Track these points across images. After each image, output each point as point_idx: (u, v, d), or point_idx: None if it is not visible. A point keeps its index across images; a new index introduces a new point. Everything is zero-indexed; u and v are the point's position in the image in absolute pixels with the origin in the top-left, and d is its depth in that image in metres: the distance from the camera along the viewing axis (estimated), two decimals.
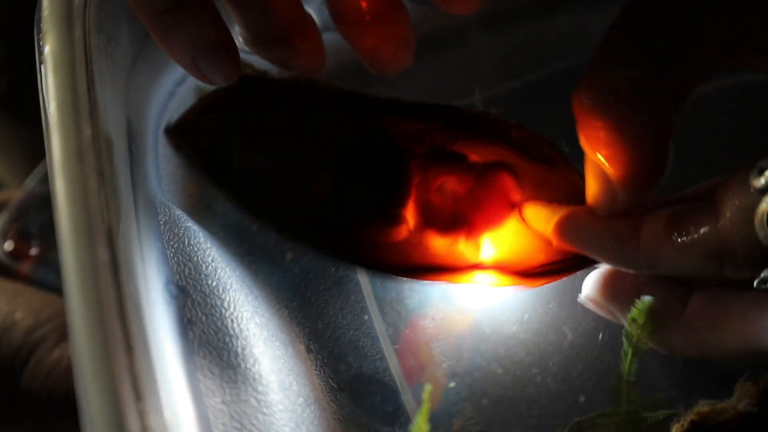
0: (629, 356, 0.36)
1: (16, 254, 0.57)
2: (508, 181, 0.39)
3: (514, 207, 0.38)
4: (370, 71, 0.41)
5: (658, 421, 0.37)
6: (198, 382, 0.33)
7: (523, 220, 0.38)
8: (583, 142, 0.34)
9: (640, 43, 0.32)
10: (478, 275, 0.38)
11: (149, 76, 0.43)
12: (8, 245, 0.57)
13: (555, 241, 0.36)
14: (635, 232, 0.33)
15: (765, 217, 0.29)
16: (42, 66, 0.33)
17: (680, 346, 0.35)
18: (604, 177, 0.34)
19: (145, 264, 0.33)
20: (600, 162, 0.34)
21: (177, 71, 0.45)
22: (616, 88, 0.32)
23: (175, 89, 0.45)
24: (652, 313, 0.34)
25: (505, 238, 0.38)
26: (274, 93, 0.41)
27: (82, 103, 0.32)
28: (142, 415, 0.27)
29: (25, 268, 0.57)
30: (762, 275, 0.30)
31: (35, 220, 0.58)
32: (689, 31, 0.31)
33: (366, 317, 0.43)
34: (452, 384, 0.41)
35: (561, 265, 0.37)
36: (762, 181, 0.30)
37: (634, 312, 0.35)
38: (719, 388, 0.37)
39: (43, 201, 0.59)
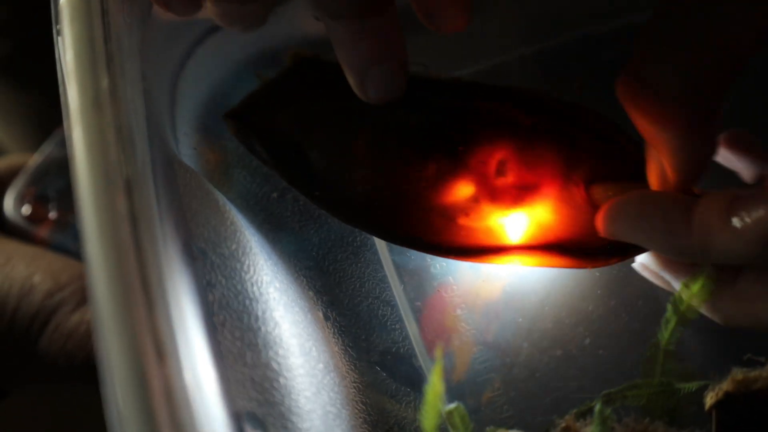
0: (671, 324, 0.35)
1: (34, 218, 0.56)
2: (571, 159, 0.38)
3: (579, 185, 0.38)
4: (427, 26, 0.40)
5: (690, 392, 0.36)
6: (218, 345, 0.32)
7: (590, 198, 0.37)
8: (638, 128, 0.34)
9: (675, 35, 0.31)
10: (538, 256, 0.38)
11: (165, 35, 0.42)
12: (26, 209, 0.56)
13: (602, 230, 0.36)
14: (687, 219, 0.33)
15: None
16: (58, 17, 0.32)
17: (732, 315, 0.34)
18: (657, 160, 0.35)
19: (164, 223, 0.32)
20: (650, 144, 0.35)
21: (194, 31, 0.45)
22: (652, 87, 0.32)
23: (193, 49, 0.44)
24: (708, 280, 0.33)
25: (567, 218, 0.37)
26: (333, 75, 0.41)
27: (99, 54, 0.31)
28: (164, 375, 0.26)
29: (43, 232, 0.56)
30: None
31: (53, 184, 0.57)
32: (723, 20, 0.31)
33: (385, 285, 0.42)
34: (479, 353, 0.40)
35: (624, 246, 0.36)
36: None
37: (688, 279, 0.34)
38: (751, 359, 0.36)
39: (61, 165, 0.58)
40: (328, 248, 0.43)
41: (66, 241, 0.55)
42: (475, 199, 0.38)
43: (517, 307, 0.40)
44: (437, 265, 0.41)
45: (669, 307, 0.35)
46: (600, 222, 0.36)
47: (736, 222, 0.31)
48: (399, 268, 0.42)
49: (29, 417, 0.57)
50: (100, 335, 0.25)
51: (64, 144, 0.58)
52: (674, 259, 0.35)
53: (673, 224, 0.33)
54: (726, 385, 0.35)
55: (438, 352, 0.35)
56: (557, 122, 0.39)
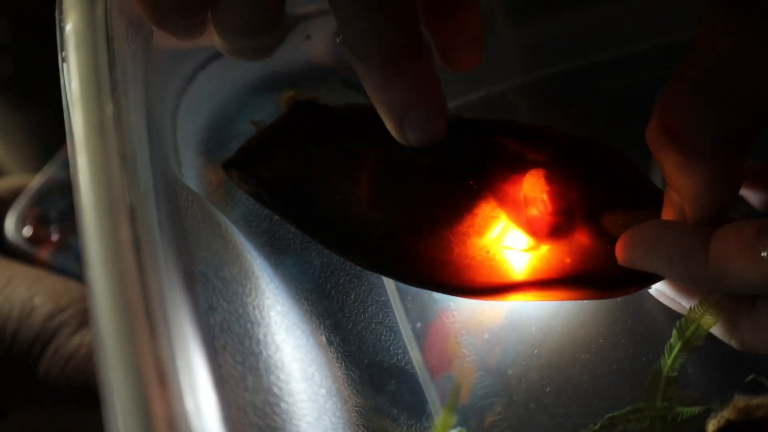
0: (675, 350, 0.35)
1: (36, 240, 0.56)
2: (581, 192, 0.38)
3: (591, 217, 0.38)
4: (442, 65, 0.41)
5: (692, 416, 0.36)
6: (220, 369, 0.32)
7: (603, 229, 0.38)
8: (662, 171, 0.35)
9: (700, 90, 0.32)
10: (557, 290, 0.38)
11: (169, 61, 0.43)
12: (27, 230, 0.56)
13: (620, 259, 0.36)
14: (704, 247, 0.33)
15: None
16: (63, 44, 0.33)
17: (748, 342, 0.35)
18: (678, 203, 0.35)
19: (166, 247, 0.32)
20: (674, 191, 0.35)
21: (197, 56, 0.45)
22: (680, 134, 0.33)
23: (195, 73, 0.44)
24: (715, 308, 0.34)
25: (582, 250, 0.38)
26: (331, 119, 0.41)
27: (104, 81, 0.31)
28: (166, 401, 0.26)
29: (44, 253, 0.56)
30: None
31: (55, 205, 0.57)
32: (751, 74, 0.31)
33: (388, 310, 0.42)
34: (481, 378, 0.40)
35: (641, 274, 0.36)
36: None
37: (696, 306, 0.34)
38: (755, 385, 0.36)
39: (63, 186, 0.58)
40: (330, 271, 0.43)
41: (67, 262, 0.55)
42: (489, 236, 0.38)
43: (519, 333, 0.40)
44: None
45: (674, 332, 0.36)
46: (618, 250, 0.36)
47: (752, 252, 0.31)
48: (401, 293, 0.42)
49: None
50: (102, 360, 0.25)
51: (65, 166, 0.58)
52: (690, 287, 0.36)
53: (690, 252, 0.33)
54: (728, 413, 0.35)
55: (454, 387, 0.35)
56: (563, 156, 0.39)
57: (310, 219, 0.39)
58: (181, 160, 0.43)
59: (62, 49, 0.33)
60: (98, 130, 0.29)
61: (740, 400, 0.35)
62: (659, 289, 0.37)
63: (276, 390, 0.34)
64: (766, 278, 0.31)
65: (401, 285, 0.42)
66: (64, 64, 0.32)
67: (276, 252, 0.43)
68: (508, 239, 0.38)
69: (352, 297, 0.42)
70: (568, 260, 0.37)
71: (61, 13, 0.34)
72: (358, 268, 0.43)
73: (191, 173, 0.44)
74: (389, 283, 0.42)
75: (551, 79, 0.49)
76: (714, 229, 0.33)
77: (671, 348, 0.36)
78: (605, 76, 0.49)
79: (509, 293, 0.38)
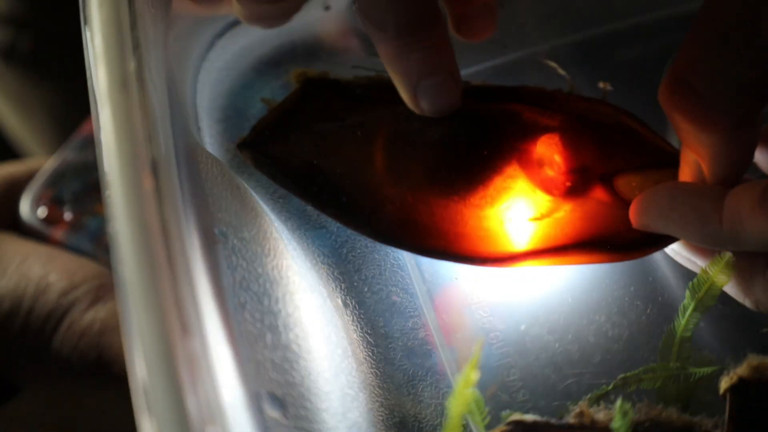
0: (689, 310, 0.35)
1: (50, 220, 0.57)
2: (593, 155, 0.38)
3: (605, 180, 0.38)
4: (455, 35, 0.42)
5: (705, 376, 0.36)
6: (240, 325, 0.32)
7: (617, 192, 0.38)
8: (676, 132, 0.35)
9: (718, 44, 0.32)
10: (574, 255, 0.38)
11: (188, 27, 0.43)
12: (42, 211, 0.57)
13: (634, 222, 0.36)
14: (718, 207, 0.33)
15: None
16: (85, 3, 0.33)
17: (763, 300, 0.35)
18: (695, 163, 0.35)
19: (187, 206, 0.33)
20: (688, 149, 0.35)
21: (216, 23, 0.45)
22: (697, 92, 0.32)
23: (214, 41, 0.45)
24: (727, 266, 0.34)
25: (598, 214, 0.38)
26: (342, 93, 0.41)
27: (126, 38, 0.32)
28: (188, 349, 0.26)
29: (58, 233, 0.57)
30: None
31: (69, 186, 0.58)
32: (764, 29, 0.31)
33: (404, 273, 0.42)
34: (496, 340, 0.40)
35: (656, 236, 0.36)
36: None
37: (709, 265, 0.34)
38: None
39: (78, 168, 0.59)
40: (347, 235, 0.43)
41: (81, 242, 0.56)
42: (502, 206, 0.38)
43: (535, 295, 0.40)
44: None
45: (687, 293, 0.36)
46: (632, 214, 0.36)
47: (765, 209, 0.31)
48: (418, 257, 0.42)
49: (41, 415, 0.57)
50: (125, 308, 0.26)
51: (79, 148, 0.59)
52: (706, 247, 0.36)
53: (704, 213, 0.33)
54: (741, 371, 0.35)
55: (477, 346, 0.35)
56: (576, 118, 0.39)
57: (324, 196, 0.39)
58: (200, 125, 0.43)
59: (84, 9, 0.33)
60: (121, 83, 0.29)
61: (754, 359, 0.35)
62: (675, 249, 0.37)
63: (294, 347, 0.34)
64: None
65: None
66: (86, 25, 0.33)
67: (293, 216, 0.43)
68: (521, 207, 0.38)
69: (369, 260, 0.42)
70: (582, 225, 0.38)
71: None
72: None
73: (210, 139, 0.44)
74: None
75: (568, 47, 0.49)
76: (728, 189, 0.33)
77: (684, 309, 0.36)
78: (622, 45, 0.49)
79: (525, 260, 0.38)
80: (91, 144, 0.60)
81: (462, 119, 0.39)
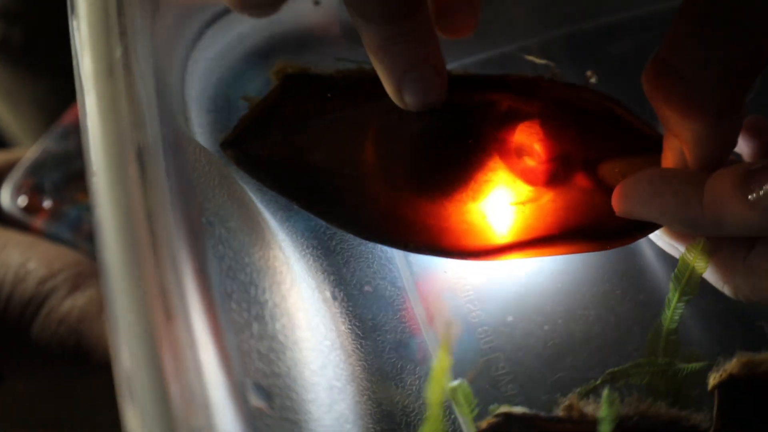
0: (673, 302, 0.35)
1: (30, 209, 0.57)
2: (576, 143, 0.38)
3: (588, 167, 0.38)
4: (440, 32, 0.41)
5: (694, 372, 0.36)
6: (226, 314, 0.32)
7: (601, 179, 0.38)
8: (659, 117, 0.35)
9: (704, 27, 0.32)
10: (560, 245, 0.38)
11: (176, 17, 0.43)
12: (22, 200, 0.58)
13: (617, 209, 0.36)
14: (700, 192, 0.33)
15: None
16: None
17: (743, 288, 0.35)
18: (677, 149, 0.35)
19: (173, 194, 0.32)
20: (671, 133, 0.35)
21: (206, 12, 0.45)
22: (682, 75, 0.32)
23: (203, 30, 0.44)
24: (704, 251, 0.34)
25: (582, 203, 0.38)
26: (323, 87, 0.41)
27: (113, 26, 0.32)
28: (173, 335, 0.26)
29: (38, 222, 0.57)
30: None
31: (49, 176, 0.59)
32: (753, 12, 0.31)
33: (392, 266, 0.42)
34: (484, 334, 0.40)
35: (640, 223, 0.36)
36: None
37: (686, 252, 0.34)
38: (758, 341, 0.37)
39: (58, 158, 0.60)
40: (335, 228, 0.43)
41: (60, 231, 0.57)
42: (485, 199, 0.38)
43: (524, 288, 0.40)
44: None
45: (671, 285, 0.36)
46: (615, 201, 0.36)
47: (747, 193, 0.31)
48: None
49: (25, 404, 0.57)
50: (109, 295, 0.26)
51: (60, 138, 0.60)
52: (688, 232, 0.36)
53: (685, 198, 0.33)
54: (730, 367, 0.35)
55: (445, 331, 0.35)
56: (558, 105, 0.39)
57: (308, 194, 0.39)
58: (189, 115, 0.43)
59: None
60: (107, 69, 0.29)
61: (744, 355, 0.35)
62: (658, 235, 0.37)
63: (281, 338, 0.34)
64: (758, 220, 0.31)
65: None
66: (73, 13, 0.32)
67: (282, 208, 0.43)
68: (504, 200, 0.38)
69: (357, 253, 0.42)
70: (566, 215, 0.37)
71: None
72: None
73: (199, 129, 0.44)
74: None
75: (559, 41, 0.49)
76: (708, 174, 0.33)
77: (669, 301, 0.36)
78: (614, 39, 0.49)
79: (510, 252, 0.38)
80: (71, 133, 0.60)
81: (442, 113, 0.39)
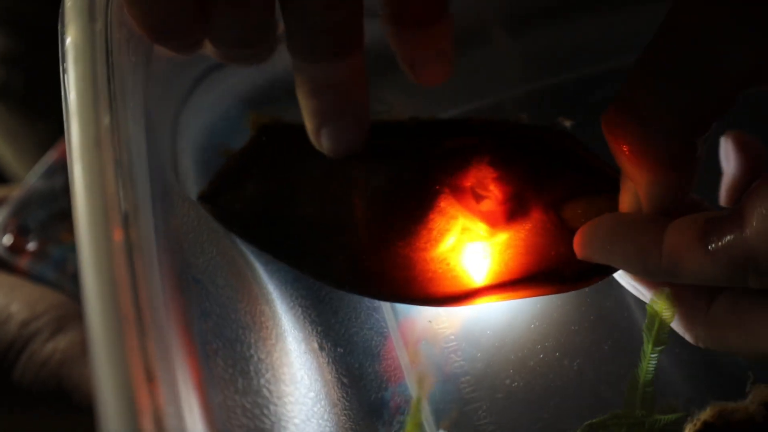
0: (648, 353, 0.36)
1: (15, 249, 0.58)
2: (537, 185, 0.39)
3: (549, 209, 0.39)
4: (410, 79, 0.42)
5: (671, 422, 0.37)
6: (211, 372, 0.33)
7: (563, 221, 0.38)
8: (616, 158, 0.35)
9: (664, 72, 0.32)
10: (524, 288, 0.38)
11: (168, 72, 0.44)
12: (7, 240, 0.58)
13: (579, 253, 0.37)
14: (658, 240, 0.33)
15: None
16: (64, 57, 0.34)
17: (704, 339, 0.35)
18: (633, 191, 0.35)
19: (161, 253, 0.33)
20: (629, 179, 0.35)
21: (196, 67, 0.46)
22: (641, 116, 0.32)
23: (196, 83, 0.46)
24: (669, 302, 0.34)
25: (544, 246, 0.38)
26: (296, 136, 0.42)
27: (102, 93, 0.33)
28: (154, 397, 0.27)
29: (23, 262, 0.57)
30: None
31: (35, 215, 0.59)
32: (714, 61, 0.31)
33: (378, 316, 0.43)
34: (466, 384, 0.40)
35: (603, 265, 0.37)
36: None
37: (651, 304, 0.35)
38: (734, 391, 0.37)
39: (43, 197, 0.59)
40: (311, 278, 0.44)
41: (45, 271, 0.57)
42: (447, 246, 0.39)
43: (506, 338, 0.41)
44: None
45: (644, 336, 0.36)
46: (576, 246, 0.37)
47: (707, 243, 0.31)
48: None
49: None
50: (92, 361, 0.26)
51: (46, 176, 0.60)
52: (648, 279, 0.36)
53: (644, 247, 0.33)
54: (705, 416, 0.35)
55: (418, 385, 0.36)
56: (519, 148, 0.40)
57: (281, 247, 0.40)
58: (179, 168, 0.44)
59: (63, 62, 0.34)
60: (94, 140, 0.30)
61: (717, 404, 0.36)
62: (621, 275, 0.38)
63: (265, 392, 0.35)
64: (717, 270, 0.31)
65: None
66: (65, 76, 0.34)
67: (272, 259, 0.44)
68: (466, 246, 0.39)
69: (346, 302, 0.43)
70: (530, 258, 0.38)
71: (62, 26, 0.35)
72: None
73: (189, 181, 0.45)
74: None
75: (539, 92, 0.50)
76: (668, 221, 0.33)
77: (645, 354, 0.36)
78: (593, 89, 0.50)
79: (476, 298, 0.38)
80: (57, 171, 0.60)
81: (404, 162, 0.40)
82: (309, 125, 0.38)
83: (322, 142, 0.38)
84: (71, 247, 0.57)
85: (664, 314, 0.35)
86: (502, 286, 0.38)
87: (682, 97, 0.32)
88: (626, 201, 0.36)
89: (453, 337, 0.41)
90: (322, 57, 0.36)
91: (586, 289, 0.40)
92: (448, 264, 0.38)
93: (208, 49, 0.39)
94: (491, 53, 0.50)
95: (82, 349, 0.51)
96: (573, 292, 0.39)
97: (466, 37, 0.50)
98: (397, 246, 0.39)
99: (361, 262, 0.39)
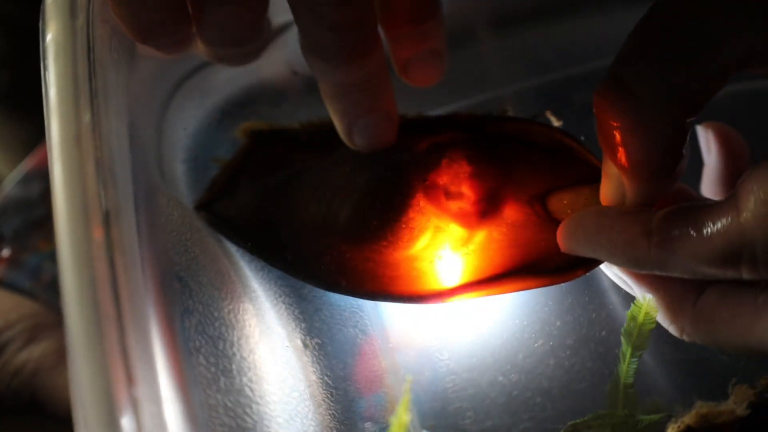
0: (627, 356, 0.36)
1: None
2: (522, 177, 0.39)
3: (536, 201, 0.39)
4: (402, 79, 0.42)
5: (654, 423, 0.37)
6: (194, 370, 0.33)
7: (549, 212, 0.38)
8: (601, 141, 0.34)
9: (658, 49, 0.32)
10: (509, 283, 0.38)
11: (153, 70, 0.44)
12: None
13: (562, 246, 0.36)
14: (646, 230, 0.33)
15: None
16: (44, 54, 0.34)
17: (690, 332, 0.35)
18: (616, 177, 0.34)
19: (143, 251, 0.33)
20: (613, 161, 0.34)
21: (183, 65, 0.46)
22: (633, 91, 0.32)
23: (181, 83, 0.45)
24: (651, 308, 0.34)
25: (530, 238, 0.38)
26: (286, 142, 0.42)
27: (83, 90, 0.32)
28: (134, 400, 0.27)
29: None
30: None
31: (9, 223, 0.58)
32: (708, 40, 0.31)
33: (363, 314, 0.43)
34: (452, 384, 0.40)
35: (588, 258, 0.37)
36: None
37: (633, 309, 0.35)
38: (718, 391, 0.37)
39: (19, 205, 0.59)
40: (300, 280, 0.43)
41: (19, 279, 0.56)
42: (429, 243, 0.39)
43: (492, 338, 0.41)
44: None
45: (623, 339, 0.36)
46: (560, 238, 0.36)
47: (700, 231, 0.31)
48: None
49: None
50: (71, 362, 0.26)
51: (21, 183, 0.59)
52: (633, 271, 0.36)
53: (631, 236, 0.33)
54: (688, 418, 0.35)
55: (406, 384, 0.36)
56: (505, 141, 0.40)
57: (272, 250, 0.41)
58: (164, 168, 0.44)
59: (44, 59, 0.34)
60: (74, 137, 0.30)
61: (703, 406, 0.36)
62: (608, 266, 0.37)
63: (248, 391, 0.35)
64: (705, 261, 0.31)
65: None
66: (46, 73, 0.33)
67: (255, 258, 0.44)
68: (447, 243, 0.39)
69: (329, 301, 0.43)
70: (512, 252, 0.38)
71: (43, 23, 0.35)
72: None
73: (175, 181, 0.45)
74: None
75: (531, 91, 0.50)
76: (651, 212, 0.33)
77: (624, 355, 0.36)
78: (584, 88, 0.50)
79: (460, 294, 0.38)
80: (34, 179, 0.59)
81: (386, 161, 0.40)
82: (339, 126, 0.38)
83: (354, 140, 0.38)
84: (47, 255, 0.57)
85: (645, 320, 0.35)
86: (487, 282, 0.38)
87: (674, 75, 0.31)
88: (608, 188, 0.35)
89: (438, 337, 0.41)
90: (343, 60, 0.36)
91: (571, 289, 0.41)
92: (431, 261, 0.38)
93: (199, 48, 0.39)
94: (478, 53, 0.50)
95: (56, 358, 0.51)
96: (559, 291, 0.39)
97: (452, 37, 0.50)
98: (380, 245, 0.39)
99: (346, 262, 0.39)
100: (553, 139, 0.39)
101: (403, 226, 0.39)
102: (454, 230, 0.38)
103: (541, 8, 0.51)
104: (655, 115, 0.32)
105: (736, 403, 0.35)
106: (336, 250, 0.39)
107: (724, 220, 0.30)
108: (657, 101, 0.31)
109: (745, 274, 0.31)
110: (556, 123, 0.43)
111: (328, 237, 0.39)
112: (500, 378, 0.40)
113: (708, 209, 0.31)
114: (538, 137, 0.40)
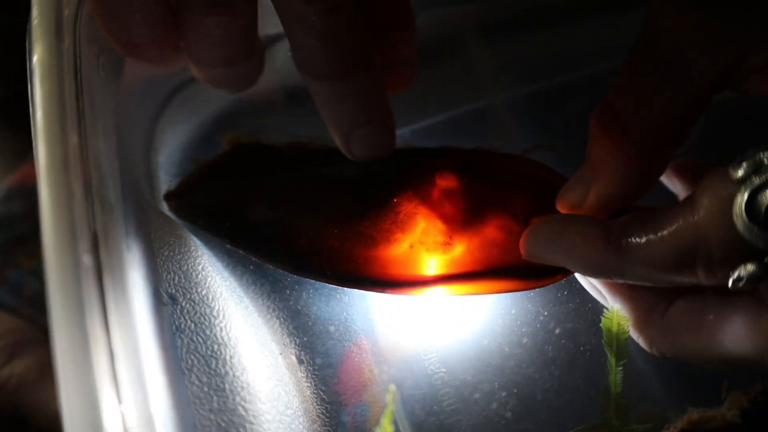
0: (613, 367, 0.36)
1: None
2: (509, 198, 0.39)
3: (519, 218, 0.39)
4: None
5: (646, 431, 0.37)
6: (186, 390, 0.33)
7: (524, 224, 0.38)
8: (587, 152, 0.34)
9: (643, 74, 0.32)
10: (488, 282, 0.38)
11: (141, 86, 0.44)
12: None
13: (523, 252, 0.37)
14: (605, 238, 0.33)
15: (743, 206, 0.28)
16: (31, 75, 0.34)
17: (659, 343, 0.35)
18: (585, 182, 0.35)
19: (134, 271, 0.33)
20: (589, 169, 0.34)
21: (172, 80, 0.46)
22: (620, 114, 0.32)
23: (170, 97, 0.45)
24: (622, 317, 0.34)
25: (510, 246, 0.38)
26: (270, 156, 0.42)
27: (70, 111, 0.32)
28: (124, 419, 0.27)
29: None
30: (737, 273, 0.29)
31: None
32: (684, 63, 0.31)
33: (356, 328, 0.43)
34: (445, 395, 0.40)
35: None
36: (740, 171, 0.29)
37: (604, 321, 0.35)
38: (711, 397, 0.37)
39: (1, 221, 0.59)
40: (301, 290, 0.43)
41: (2, 295, 0.56)
42: (411, 232, 0.39)
43: (486, 350, 0.41)
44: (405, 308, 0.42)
45: (606, 350, 0.36)
46: (522, 244, 0.36)
47: (655, 232, 0.31)
48: (368, 314, 0.43)
49: None
50: (60, 385, 0.26)
51: (4, 201, 0.59)
52: (592, 276, 0.36)
53: (592, 239, 0.33)
54: (681, 424, 0.35)
55: (390, 395, 0.36)
56: (485, 167, 0.40)
57: (244, 234, 0.40)
58: (154, 184, 0.44)
59: (30, 80, 0.33)
60: (61, 161, 0.30)
61: (694, 412, 0.36)
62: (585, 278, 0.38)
63: (241, 410, 0.34)
64: (664, 261, 0.31)
65: (371, 304, 0.43)
66: (32, 95, 0.33)
67: (247, 272, 0.44)
68: (430, 232, 0.39)
69: (324, 315, 0.43)
70: (492, 251, 0.38)
71: (29, 44, 0.35)
72: (330, 286, 0.44)
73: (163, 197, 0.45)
74: (359, 301, 0.43)
75: (520, 99, 0.50)
76: (611, 220, 0.33)
77: (611, 366, 0.36)
78: (573, 96, 0.50)
79: (434, 285, 0.38)
80: (16, 196, 0.59)
81: (381, 163, 0.40)
82: (336, 136, 0.38)
83: (353, 150, 0.38)
84: (30, 271, 0.57)
85: (618, 330, 0.35)
86: (463, 277, 0.38)
87: (657, 98, 0.32)
88: (574, 190, 0.36)
89: (436, 350, 0.41)
90: (334, 73, 0.36)
91: (564, 296, 0.41)
92: (411, 247, 0.38)
93: (194, 71, 0.38)
94: (468, 62, 0.50)
95: (39, 373, 0.51)
96: (550, 300, 0.39)
97: (444, 46, 0.50)
98: (361, 225, 0.39)
99: (322, 242, 0.39)
100: (537, 178, 0.40)
101: (387, 210, 0.39)
102: (438, 223, 0.38)
103: (534, 16, 0.52)
104: (638, 141, 0.32)
105: (728, 410, 0.35)
106: (313, 231, 0.39)
107: (680, 221, 0.30)
108: (640, 123, 0.32)
109: (702, 278, 0.30)
110: (542, 146, 0.43)
111: (305, 219, 0.39)
112: (493, 390, 0.40)
113: (664, 211, 0.32)
114: (524, 174, 0.40)
